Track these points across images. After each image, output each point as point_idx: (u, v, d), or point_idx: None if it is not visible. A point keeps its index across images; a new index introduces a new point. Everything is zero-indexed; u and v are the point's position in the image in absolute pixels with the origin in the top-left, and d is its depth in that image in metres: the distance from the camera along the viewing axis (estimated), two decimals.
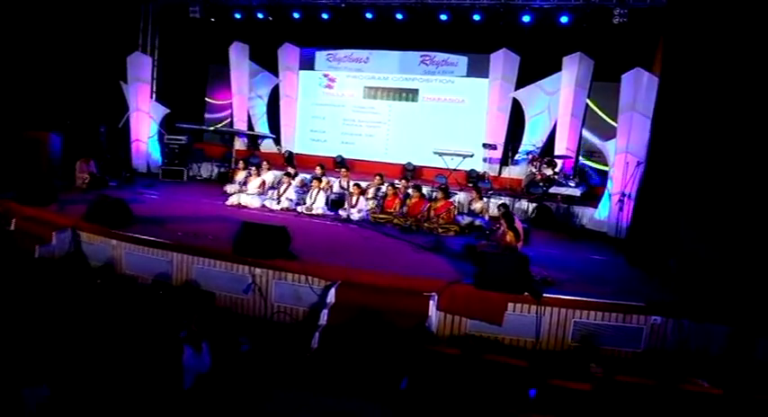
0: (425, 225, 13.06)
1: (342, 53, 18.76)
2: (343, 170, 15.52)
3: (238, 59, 18.70)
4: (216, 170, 17.89)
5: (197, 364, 6.34)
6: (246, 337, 8.18)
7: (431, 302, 9.30)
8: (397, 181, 14.94)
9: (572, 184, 14.93)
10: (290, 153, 18.80)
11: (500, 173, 17.18)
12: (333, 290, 9.46)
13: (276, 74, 19.22)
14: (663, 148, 12.37)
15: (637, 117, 13.44)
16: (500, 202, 14.13)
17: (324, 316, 9.15)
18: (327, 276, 9.84)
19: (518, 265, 9.61)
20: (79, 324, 7.02)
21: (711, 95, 11.44)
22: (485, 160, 17.29)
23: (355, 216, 13.63)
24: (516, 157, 16.87)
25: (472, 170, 16.98)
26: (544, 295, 9.40)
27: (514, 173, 16.88)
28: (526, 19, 15.61)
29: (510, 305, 9.45)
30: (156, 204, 13.93)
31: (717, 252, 10.34)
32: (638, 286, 10.34)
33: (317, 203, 14.06)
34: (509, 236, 10.85)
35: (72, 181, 15.03)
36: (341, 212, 13.85)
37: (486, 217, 13.84)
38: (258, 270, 10.09)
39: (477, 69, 17.45)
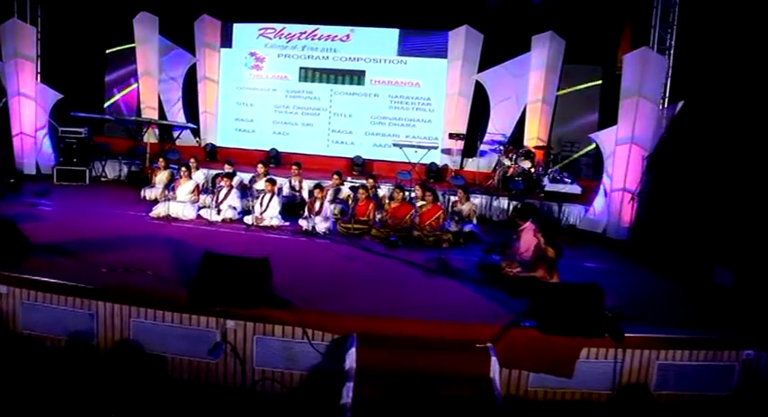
0: (415, 234, 9.94)
1: (290, 29, 14.89)
2: (294, 167, 11.98)
3: (145, 34, 14.51)
4: (125, 169, 13.75)
5: None
6: None
7: (492, 358, 6.27)
8: (363, 180, 11.69)
9: (568, 180, 12.29)
10: (213, 146, 14.96)
11: (462, 165, 14.31)
12: (353, 351, 6.18)
13: (192, 51, 15.22)
14: (698, 138, 10.06)
15: (642, 103, 11.00)
16: (520, 204, 11.16)
17: (348, 392, 5.91)
18: (336, 328, 6.57)
19: (591, 298, 6.79)
20: None
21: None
22: (444, 152, 14.34)
23: (320, 226, 10.26)
24: (482, 148, 14.01)
25: (432, 163, 13.99)
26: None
27: (479, 165, 14.03)
28: None
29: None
30: (56, 220, 9.88)
31: None
32: (698, 308, 7.98)
33: (271, 211, 10.53)
34: (550, 253, 7.93)
35: None
36: (302, 222, 10.42)
37: (475, 222, 10.90)
38: (231, 324, 6.66)
39: (403, 47, 14.48)
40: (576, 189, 12.18)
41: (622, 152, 11.31)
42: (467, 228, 10.52)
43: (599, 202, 11.91)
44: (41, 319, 6.98)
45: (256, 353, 6.67)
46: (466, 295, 7.75)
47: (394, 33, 14.51)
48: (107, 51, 15.45)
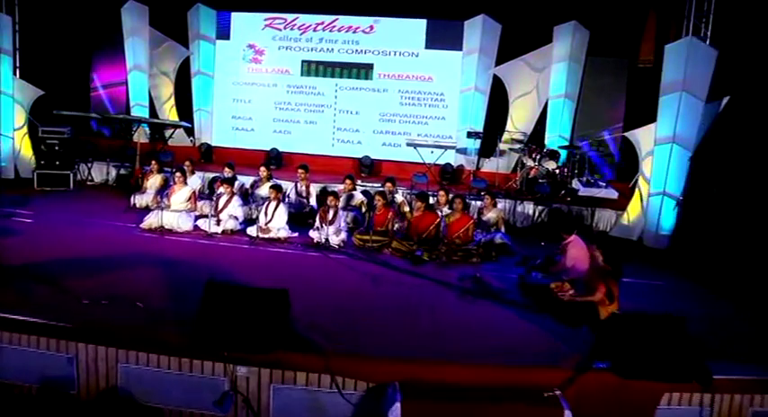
0: (443, 249, 8.62)
1: (304, 19, 13.37)
2: (300, 171, 10.60)
3: (135, 25, 13.11)
4: (114, 171, 12.33)
5: None
6: None
7: (566, 411, 5.01)
8: (374, 184, 10.41)
9: (602, 184, 11.06)
10: (209, 146, 13.58)
11: (479, 166, 13.01)
12: (397, 406, 4.88)
13: (186, 44, 13.82)
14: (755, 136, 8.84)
15: (687, 99, 9.76)
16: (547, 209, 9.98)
17: None
18: (372, 375, 5.28)
19: (675, 334, 5.54)
20: None
21: None
22: (459, 151, 13.05)
23: (334, 239, 8.94)
24: (501, 147, 12.74)
25: (447, 164, 12.71)
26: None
27: (498, 166, 12.71)
28: None
29: None
30: (33, 235, 8.48)
31: None
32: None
33: (277, 222, 9.20)
34: (610, 273, 6.67)
35: None
36: (312, 234, 9.10)
37: (503, 230, 9.62)
38: (242, 370, 5.35)
39: (447, 40, 13.06)
40: (612, 193, 10.95)
41: (662, 152, 10.09)
42: (497, 239, 9.23)
43: (634, 207, 10.69)
44: (9, 363, 5.62)
45: (274, 405, 5.36)
46: (515, 325, 6.47)
47: (421, 24, 13.09)
48: (93, 44, 14.05)
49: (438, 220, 8.91)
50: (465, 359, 5.47)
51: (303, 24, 13.45)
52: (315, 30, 13.41)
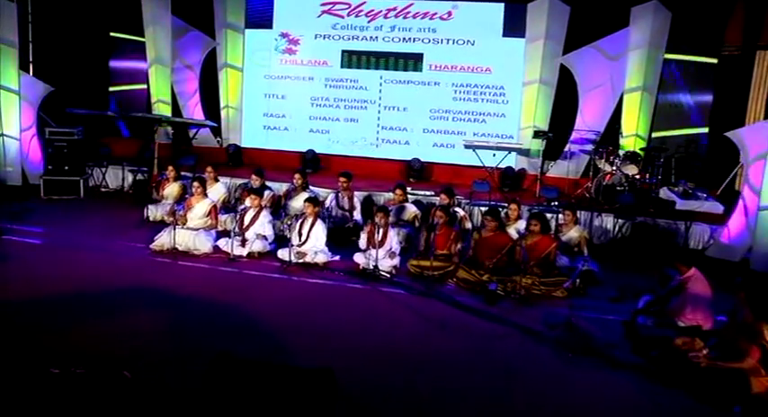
0: (523, 281, 6.70)
1: (373, 5, 11.48)
2: (342, 179, 8.78)
3: (156, 13, 11.45)
4: (130, 177, 10.72)
5: None
6: None
7: None
8: (426, 191, 8.59)
9: (703, 195, 9.03)
10: (237, 147, 11.90)
11: (544, 169, 11.01)
12: None
13: (212, 34, 12.15)
14: None
15: None
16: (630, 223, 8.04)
17: None
18: None
19: None
20: None
21: None
22: (520, 153, 11.12)
23: (385, 264, 7.13)
24: (570, 148, 10.80)
25: (508, 168, 10.81)
26: None
27: (568, 170, 10.79)
28: None
29: None
30: (19, 261, 6.86)
31: None
32: None
33: (314, 242, 7.44)
34: (766, 330, 4.75)
35: None
36: (358, 258, 7.30)
37: (586, 253, 7.65)
38: None
39: (508, 25, 11.12)
40: (716, 207, 8.88)
41: None
42: (581, 266, 7.25)
43: (736, 222, 8.65)
44: None
45: None
46: (635, 401, 4.62)
47: (498, 8, 11.17)
48: (111, 34, 12.48)
49: (513, 243, 7.02)
50: None
51: (372, 10, 11.57)
52: (386, 17, 11.52)
